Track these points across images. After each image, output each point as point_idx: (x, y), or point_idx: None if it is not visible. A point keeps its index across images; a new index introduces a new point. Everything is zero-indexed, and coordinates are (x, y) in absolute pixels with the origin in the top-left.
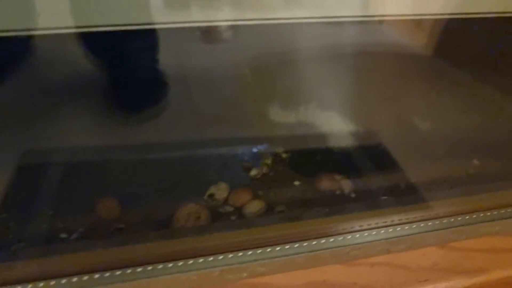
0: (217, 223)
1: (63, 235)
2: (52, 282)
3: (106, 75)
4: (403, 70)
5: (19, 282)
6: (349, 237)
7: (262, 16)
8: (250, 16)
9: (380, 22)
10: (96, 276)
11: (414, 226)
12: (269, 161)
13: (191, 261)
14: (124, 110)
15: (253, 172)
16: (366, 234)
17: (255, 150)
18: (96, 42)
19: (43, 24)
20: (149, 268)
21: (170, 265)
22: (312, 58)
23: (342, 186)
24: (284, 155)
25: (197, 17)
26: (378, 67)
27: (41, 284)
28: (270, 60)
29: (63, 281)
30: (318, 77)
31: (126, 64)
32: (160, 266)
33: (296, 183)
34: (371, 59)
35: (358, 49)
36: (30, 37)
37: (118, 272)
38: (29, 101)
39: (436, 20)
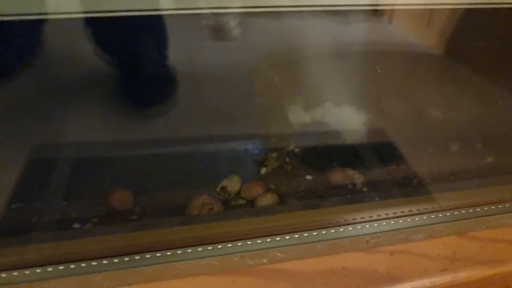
0: (235, 210)
1: (76, 225)
2: (72, 266)
3: (118, 71)
4: (413, 67)
5: (39, 265)
6: (368, 226)
7: (269, 4)
8: (258, 3)
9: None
10: (116, 260)
11: (433, 216)
12: (275, 156)
13: (210, 247)
14: (136, 105)
15: (263, 170)
16: (384, 223)
17: (267, 144)
18: (106, 36)
19: (53, 9)
20: (168, 253)
21: (189, 250)
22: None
23: (355, 179)
24: (296, 150)
25: (205, 4)
26: (388, 64)
27: (61, 267)
28: (279, 56)
29: (83, 264)
30: (329, 74)
31: (138, 59)
32: (179, 251)
33: (308, 177)
34: (382, 58)
35: (368, 47)
36: (42, 29)
37: (137, 257)
38: (41, 95)
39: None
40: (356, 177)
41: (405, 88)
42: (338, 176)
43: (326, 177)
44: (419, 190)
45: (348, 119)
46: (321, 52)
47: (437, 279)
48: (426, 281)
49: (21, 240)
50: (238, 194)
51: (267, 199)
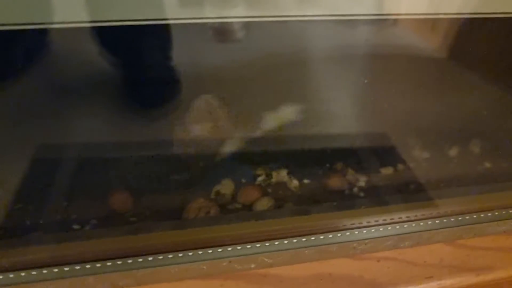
0: (226, 215)
1: (76, 226)
2: (66, 268)
3: (120, 72)
4: (413, 72)
5: (35, 267)
6: (356, 232)
7: (275, 14)
8: (263, 13)
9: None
10: (109, 263)
11: (422, 223)
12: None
13: (200, 252)
14: (137, 107)
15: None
16: (373, 230)
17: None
18: (110, 39)
19: (58, 18)
20: (160, 257)
21: (180, 255)
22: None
23: (351, 185)
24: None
25: (210, 13)
26: (390, 68)
27: (56, 270)
28: (280, 60)
29: (77, 267)
30: (332, 78)
31: (139, 61)
32: (171, 255)
33: (306, 181)
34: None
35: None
36: (47, 33)
37: (130, 261)
38: (44, 96)
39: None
40: (347, 183)
41: (407, 91)
42: (334, 181)
43: (322, 181)
44: (407, 197)
45: (345, 124)
46: (323, 55)
47: (423, 286)
48: None
49: (16, 242)
50: (234, 198)
51: (265, 204)
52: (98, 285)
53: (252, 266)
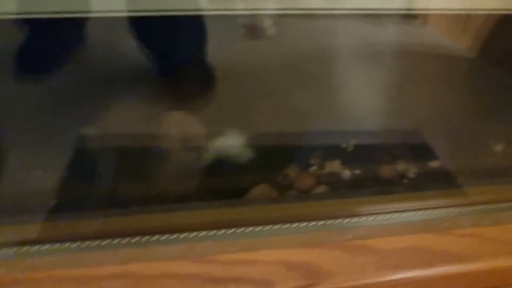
0: (324, 193)
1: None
2: (182, 235)
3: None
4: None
5: (88, 238)
6: (441, 210)
7: (303, 6)
8: (292, 6)
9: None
10: (220, 232)
11: (497, 205)
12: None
13: (302, 224)
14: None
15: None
16: (451, 210)
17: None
18: (145, 31)
19: (96, 7)
20: (266, 228)
21: (285, 226)
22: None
23: (406, 172)
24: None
25: (240, 5)
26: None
27: (173, 236)
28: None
29: (154, 238)
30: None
31: (176, 54)
32: (275, 227)
33: (357, 171)
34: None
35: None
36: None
37: (239, 230)
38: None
39: None
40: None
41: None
42: (386, 171)
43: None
44: (485, 181)
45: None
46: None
47: (506, 261)
48: (494, 262)
49: (145, 209)
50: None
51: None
52: (209, 249)
53: (349, 237)
